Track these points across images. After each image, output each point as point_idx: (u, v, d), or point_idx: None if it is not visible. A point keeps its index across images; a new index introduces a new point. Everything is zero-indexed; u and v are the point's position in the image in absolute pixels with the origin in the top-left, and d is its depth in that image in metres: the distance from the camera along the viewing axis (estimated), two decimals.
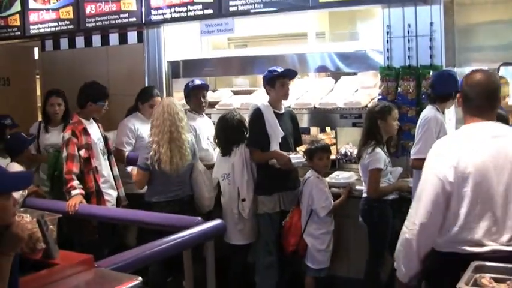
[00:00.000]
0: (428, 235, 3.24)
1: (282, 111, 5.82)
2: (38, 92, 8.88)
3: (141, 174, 5.69)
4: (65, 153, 5.73)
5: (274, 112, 5.72)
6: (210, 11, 6.65)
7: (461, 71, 5.85)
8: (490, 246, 3.12)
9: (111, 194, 5.99)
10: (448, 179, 3.16)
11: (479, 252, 3.11)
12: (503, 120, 4.41)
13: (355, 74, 6.65)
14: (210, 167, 6.02)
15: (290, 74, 5.80)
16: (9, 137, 6.19)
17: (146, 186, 5.79)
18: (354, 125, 6.18)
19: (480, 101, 3.32)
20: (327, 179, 5.80)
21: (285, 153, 5.63)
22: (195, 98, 6.33)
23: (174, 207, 5.47)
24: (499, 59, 6.32)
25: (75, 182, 5.63)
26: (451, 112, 5.62)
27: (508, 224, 3.13)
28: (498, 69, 6.19)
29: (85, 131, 5.85)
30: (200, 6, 6.71)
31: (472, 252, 3.12)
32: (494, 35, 6.55)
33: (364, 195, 5.44)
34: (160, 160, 5.50)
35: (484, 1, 6.70)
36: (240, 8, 6.46)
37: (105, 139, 6.10)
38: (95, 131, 5.98)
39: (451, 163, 3.17)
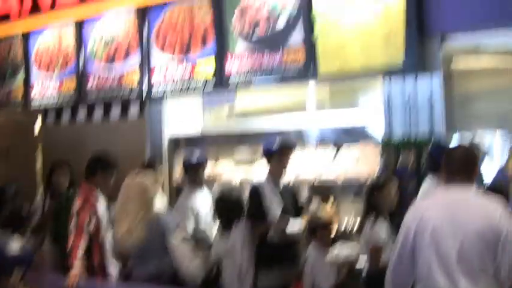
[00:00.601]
0: (400, 275, 3.74)
1: (282, 186, 5.79)
2: (39, 164, 8.87)
3: None
4: (74, 223, 5.68)
5: (274, 188, 5.68)
6: (211, 84, 6.74)
7: (460, 139, 5.88)
8: None
9: (115, 267, 5.91)
10: (411, 232, 3.64)
11: None
12: (499, 190, 4.44)
13: (356, 144, 6.64)
14: (208, 244, 5.95)
15: (288, 148, 5.79)
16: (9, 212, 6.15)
17: None
18: (355, 197, 6.16)
19: (456, 170, 3.71)
20: (329, 254, 5.71)
21: (282, 221, 5.57)
22: (193, 175, 6.30)
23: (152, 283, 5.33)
24: (498, 126, 6.35)
25: (79, 257, 5.54)
26: None
27: (460, 283, 3.45)
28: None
29: (95, 202, 5.82)
30: (201, 80, 6.79)
31: None
32: (493, 103, 6.61)
33: (366, 269, 5.35)
34: (116, 235, 5.42)
35: (483, 69, 6.78)
36: (241, 80, 6.54)
37: (109, 212, 6.07)
38: (102, 202, 5.96)
39: (416, 219, 3.65)
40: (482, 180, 5.55)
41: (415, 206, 3.91)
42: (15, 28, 8.66)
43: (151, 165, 6.52)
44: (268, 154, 5.73)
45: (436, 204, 3.70)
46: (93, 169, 5.97)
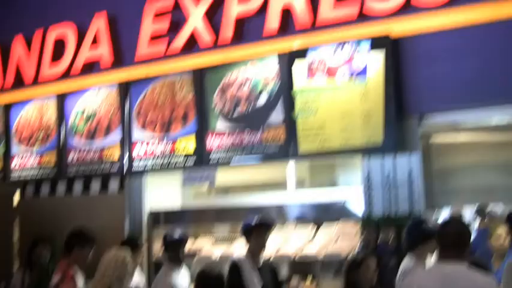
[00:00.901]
0: None
1: (261, 264, 5.75)
2: (16, 237, 8.76)
3: None
4: None
5: (253, 265, 5.65)
6: (192, 161, 6.78)
7: (440, 214, 5.94)
8: None
9: None
10: None
11: None
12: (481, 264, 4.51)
13: (336, 221, 6.65)
14: None
15: (266, 225, 5.78)
16: None
17: None
18: (336, 274, 6.12)
19: (449, 244, 3.79)
20: None
21: None
22: (173, 251, 6.25)
23: None
24: (477, 201, 6.41)
25: None
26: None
27: None
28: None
29: (73, 277, 5.74)
30: (182, 156, 6.84)
31: None
32: (472, 177, 6.69)
33: None
34: None
35: (461, 145, 6.88)
36: (222, 158, 6.59)
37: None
38: (79, 278, 5.88)
39: None
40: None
41: (407, 281, 3.98)
42: None
43: (130, 241, 6.46)
44: (247, 232, 5.71)
45: (430, 279, 3.74)
46: (70, 245, 5.91)
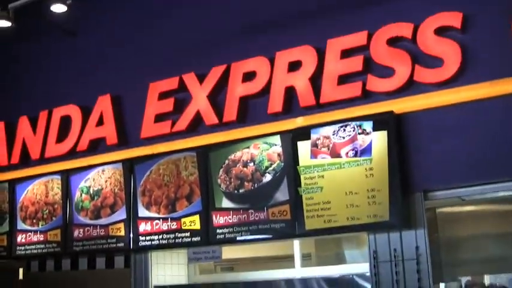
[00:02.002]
0: None
1: None
2: None
3: None
4: None
5: None
6: (197, 239, 6.80)
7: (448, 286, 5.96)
8: None
9: None
10: None
11: None
12: None
13: None
14: None
15: None
16: None
17: None
18: None
19: None
20: None
21: None
22: None
23: None
24: (485, 272, 6.37)
25: None
26: None
27: None
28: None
29: None
30: (188, 234, 6.85)
31: None
32: (480, 248, 6.66)
33: None
34: None
35: (468, 216, 6.87)
36: (227, 235, 6.60)
37: None
38: None
39: None
40: None
41: None
42: (2, 177, 8.74)
43: None
44: None
45: None
46: None
